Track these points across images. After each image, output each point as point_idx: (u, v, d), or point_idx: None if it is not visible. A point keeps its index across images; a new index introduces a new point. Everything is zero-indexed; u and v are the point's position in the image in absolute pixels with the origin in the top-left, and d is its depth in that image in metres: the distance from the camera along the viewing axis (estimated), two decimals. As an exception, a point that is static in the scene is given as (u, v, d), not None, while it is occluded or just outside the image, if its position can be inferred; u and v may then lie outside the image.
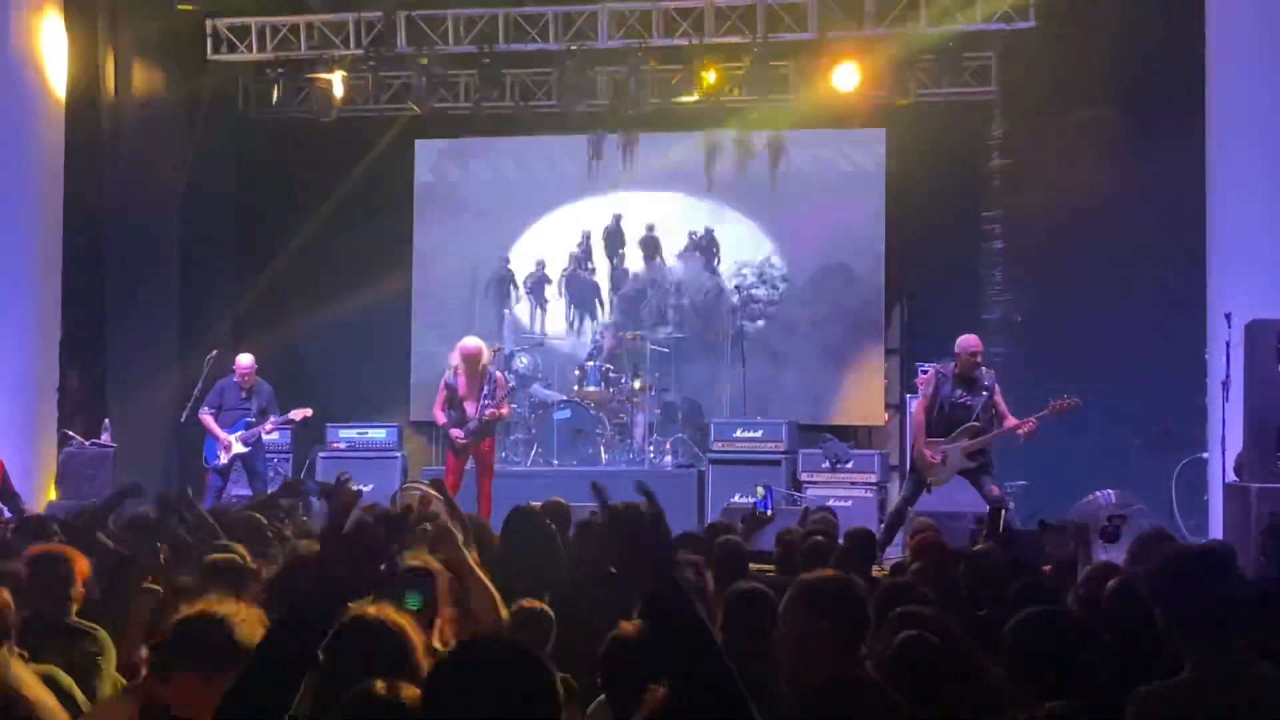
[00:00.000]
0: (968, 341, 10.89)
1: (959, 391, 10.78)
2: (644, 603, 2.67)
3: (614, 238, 15.74)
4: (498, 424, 12.38)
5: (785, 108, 14.90)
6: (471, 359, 11.90)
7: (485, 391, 11.85)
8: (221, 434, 12.41)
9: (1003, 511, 7.24)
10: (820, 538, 7.12)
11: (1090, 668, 3.73)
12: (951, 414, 10.77)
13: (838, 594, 3.83)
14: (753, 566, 6.77)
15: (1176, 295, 12.79)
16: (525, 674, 2.37)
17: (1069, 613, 3.91)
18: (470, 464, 11.95)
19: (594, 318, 15.51)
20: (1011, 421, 10.70)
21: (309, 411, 12.96)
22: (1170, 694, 3.55)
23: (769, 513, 9.20)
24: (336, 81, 14.69)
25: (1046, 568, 6.72)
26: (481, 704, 2.31)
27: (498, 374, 12.26)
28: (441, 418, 11.97)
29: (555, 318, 15.69)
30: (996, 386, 10.93)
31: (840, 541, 7.78)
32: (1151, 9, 12.96)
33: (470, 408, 11.86)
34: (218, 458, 12.42)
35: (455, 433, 11.84)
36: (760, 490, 11.60)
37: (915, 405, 11.36)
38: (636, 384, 14.18)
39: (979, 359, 10.86)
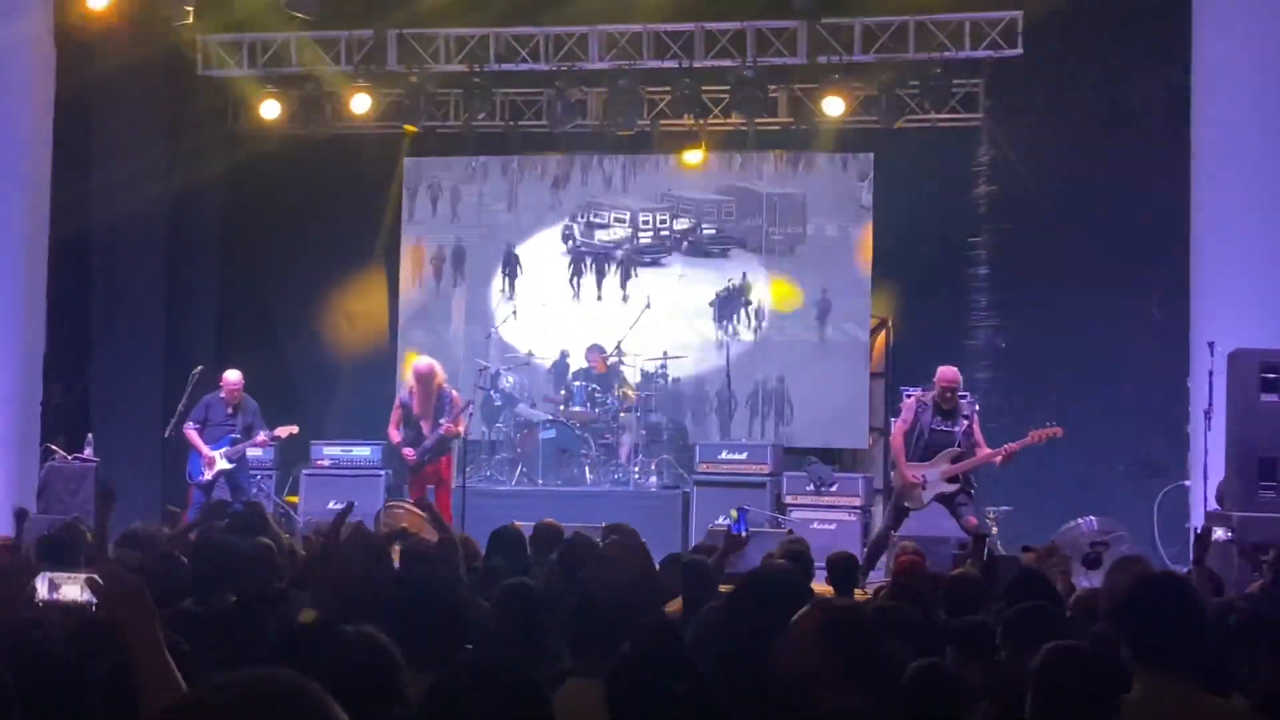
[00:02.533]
0: (946, 373, 11.05)
1: (939, 419, 10.92)
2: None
3: (605, 256, 15.74)
4: (453, 441, 12.42)
5: (773, 132, 14.97)
6: (424, 378, 12.03)
7: (445, 410, 11.96)
8: (205, 449, 12.38)
9: (985, 539, 7.34)
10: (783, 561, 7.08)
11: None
12: (931, 440, 10.93)
13: (849, 627, 3.61)
14: (724, 589, 6.74)
15: (1160, 323, 12.86)
16: (521, 697, 2.37)
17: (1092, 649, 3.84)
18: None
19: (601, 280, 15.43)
20: (986, 451, 10.86)
21: (295, 429, 12.94)
22: (1120, 711, 3.60)
23: (744, 535, 9.21)
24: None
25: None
26: None
27: (454, 392, 12.35)
28: (396, 436, 12.13)
29: (542, 338, 15.65)
30: (975, 415, 11.08)
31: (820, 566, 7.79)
32: (1138, 39, 13.06)
33: (425, 426, 11.98)
34: (202, 474, 12.39)
35: (408, 452, 11.98)
36: (734, 513, 11.66)
37: (894, 429, 11.45)
38: (622, 404, 14.17)
39: (956, 391, 11.00)
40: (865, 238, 15.05)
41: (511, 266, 15.90)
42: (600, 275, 15.72)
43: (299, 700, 1.53)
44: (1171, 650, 3.63)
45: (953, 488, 10.84)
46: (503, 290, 15.85)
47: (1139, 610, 3.73)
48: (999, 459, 10.96)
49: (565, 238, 15.80)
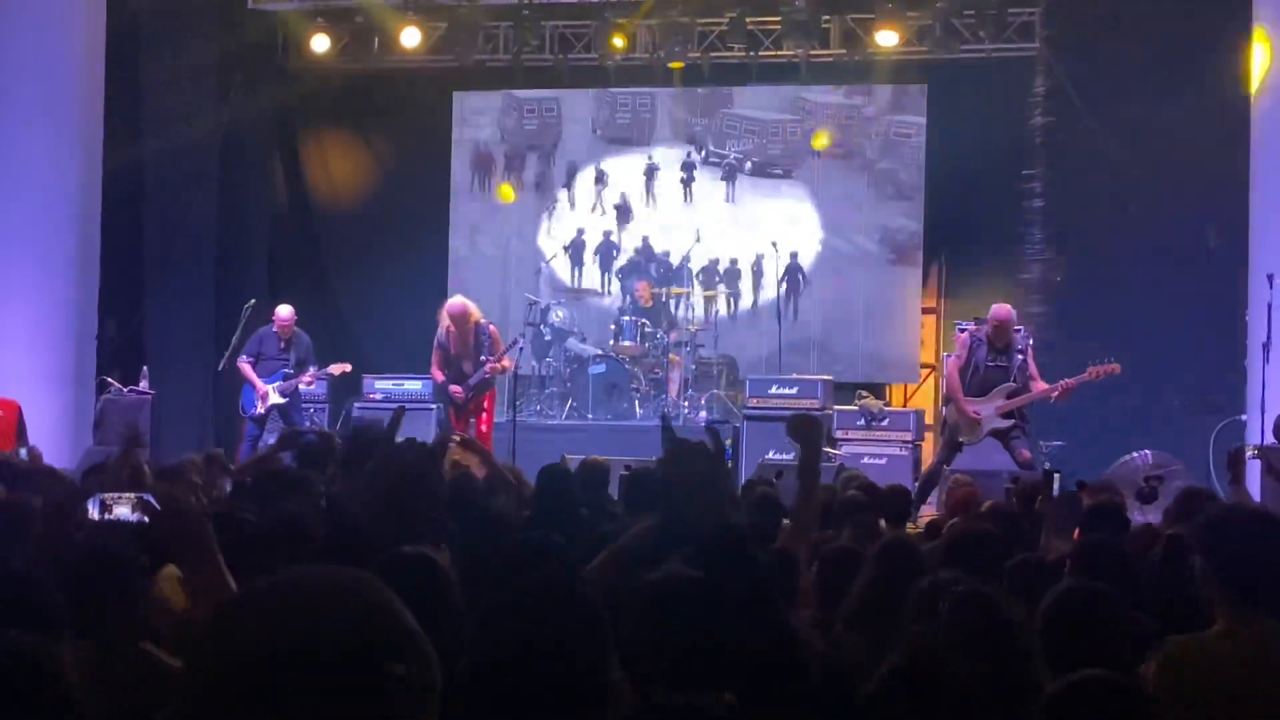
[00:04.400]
0: (1000, 311, 10.98)
1: (993, 355, 10.88)
2: (702, 545, 2.67)
3: (655, 190, 15.70)
4: (499, 376, 12.43)
5: (826, 63, 14.80)
6: (459, 318, 12.01)
7: (485, 346, 11.96)
8: (259, 383, 12.45)
9: (1056, 474, 7.26)
10: (855, 493, 7.11)
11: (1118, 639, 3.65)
12: (986, 376, 10.90)
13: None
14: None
15: (1217, 256, 12.67)
16: (573, 613, 2.35)
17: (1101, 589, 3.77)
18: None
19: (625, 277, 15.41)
20: (1042, 386, 10.82)
21: (348, 367, 13.01)
22: (1199, 645, 3.52)
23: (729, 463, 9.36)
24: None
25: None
26: (527, 643, 2.30)
27: (491, 328, 12.32)
28: (440, 376, 12.15)
29: (592, 272, 15.67)
30: (1030, 349, 11.03)
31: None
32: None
33: (468, 366, 11.99)
34: (255, 407, 12.48)
35: (455, 389, 11.97)
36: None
37: (949, 365, 11.43)
38: (672, 338, 14.15)
39: (1009, 329, 10.92)
40: (919, 171, 14.91)
41: (562, 201, 15.90)
42: (652, 202, 15.69)
43: (357, 592, 1.46)
44: (1261, 585, 3.51)
45: (1007, 423, 10.82)
46: (553, 224, 15.86)
47: (1227, 544, 3.58)
48: (1055, 395, 10.91)
49: (614, 169, 15.77)
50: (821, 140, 15.21)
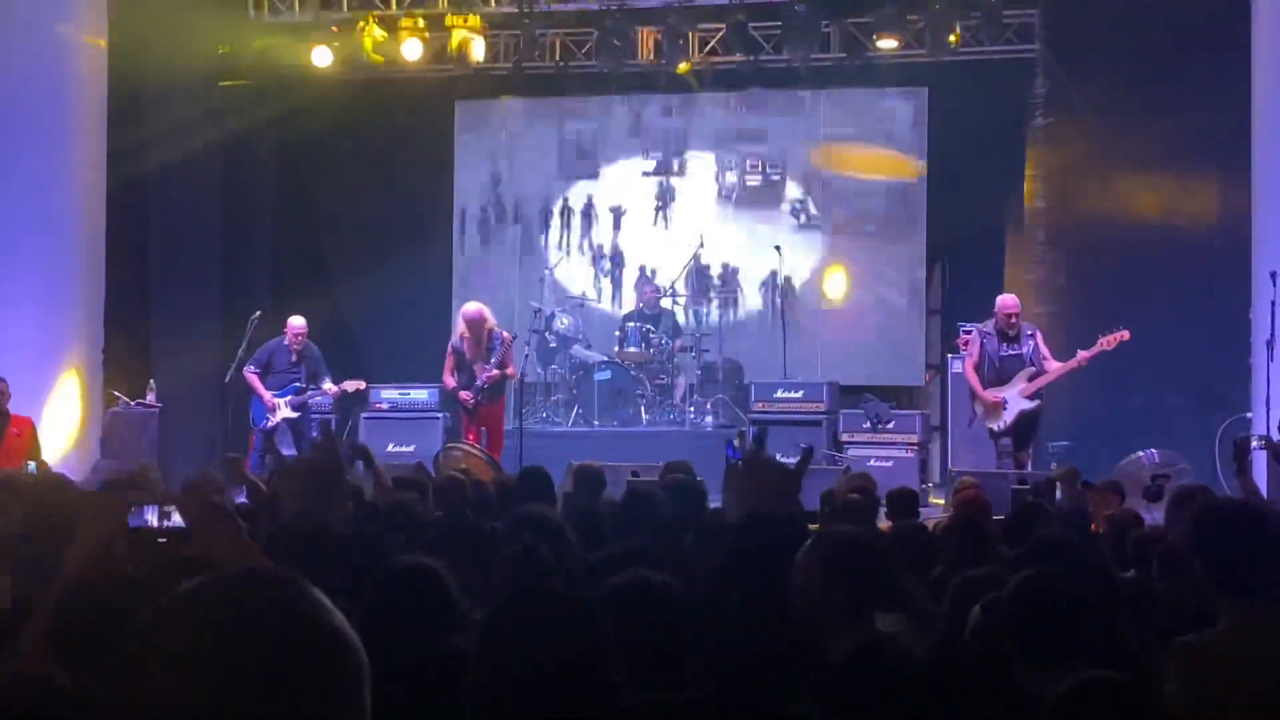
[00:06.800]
0: (1006, 301, 11.30)
1: (1004, 345, 11.08)
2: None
3: (658, 196, 15.74)
4: (507, 383, 12.47)
5: (825, 67, 14.83)
6: (474, 323, 12.05)
7: (495, 352, 11.99)
8: (267, 396, 12.43)
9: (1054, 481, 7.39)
10: (856, 495, 7.11)
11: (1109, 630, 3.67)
12: (1002, 367, 11.16)
13: (856, 553, 3.52)
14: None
15: (1221, 254, 12.69)
16: (579, 624, 2.38)
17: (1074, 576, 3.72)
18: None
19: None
20: (1059, 364, 11.11)
21: (362, 384, 13.04)
22: (1209, 644, 3.52)
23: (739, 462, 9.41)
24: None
25: (1094, 525, 6.69)
26: (534, 654, 2.32)
27: (504, 333, 12.34)
28: (451, 382, 12.18)
29: (596, 278, 15.71)
30: (1039, 335, 11.26)
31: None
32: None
33: (479, 370, 12.03)
34: (266, 419, 12.47)
35: (464, 395, 12.00)
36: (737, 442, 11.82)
37: (965, 366, 11.60)
38: (676, 344, 14.17)
39: (1015, 319, 11.12)
40: (921, 172, 14.93)
41: (564, 208, 15.93)
42: (656, 208, 15.73)
43: (283, 590, 1.48)
44: (1253, 579, 3.55)
45: (1034, 404, 11.07)
46: (556, 231, 15.90)
47: (1214, 542, 3.65)
48: (1072, 367, 11.14)
49: (619, 175, 15.80)
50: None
